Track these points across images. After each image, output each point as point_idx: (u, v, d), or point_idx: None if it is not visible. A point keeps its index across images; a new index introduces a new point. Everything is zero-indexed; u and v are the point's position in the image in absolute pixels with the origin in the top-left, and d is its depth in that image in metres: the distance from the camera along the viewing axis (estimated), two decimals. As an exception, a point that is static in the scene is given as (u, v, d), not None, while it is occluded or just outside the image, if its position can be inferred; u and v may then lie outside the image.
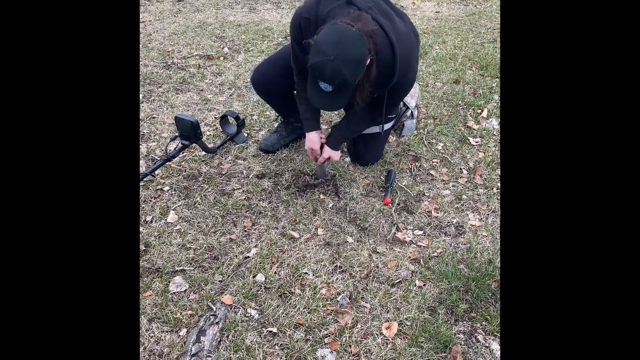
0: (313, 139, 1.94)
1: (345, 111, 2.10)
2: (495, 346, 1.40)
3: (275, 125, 2.48)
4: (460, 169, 2.20)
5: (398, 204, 1.98)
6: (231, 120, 2.34)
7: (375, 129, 2.05)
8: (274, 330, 1.43)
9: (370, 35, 1.49)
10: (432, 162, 2.25)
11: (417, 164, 2.23)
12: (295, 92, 2.00)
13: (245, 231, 1.82)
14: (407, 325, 1.46)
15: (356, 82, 1.51)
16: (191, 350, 1.35)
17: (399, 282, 1.61)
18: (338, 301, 1.54)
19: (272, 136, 2.30)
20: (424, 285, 1.60)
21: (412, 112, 2.23)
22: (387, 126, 2.10)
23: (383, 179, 2.12)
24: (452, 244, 1.78)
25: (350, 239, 1.80)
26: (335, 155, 1.96)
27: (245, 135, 2.39)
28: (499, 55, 3.30)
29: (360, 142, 2.12)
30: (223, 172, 2.14)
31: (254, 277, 1.61)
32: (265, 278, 1.61)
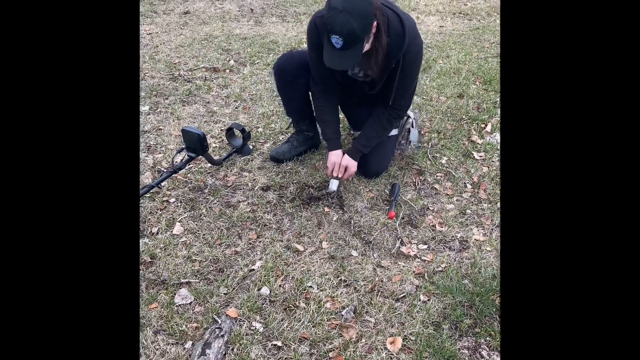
0: (338, 153, 2.07)
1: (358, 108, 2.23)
2: (500, 362, 1.41)
3: (281, 137, 2.50)
4: (465, 183, 2.21)
5: (402, 218, 1.99)
6: (237, 132, 2.36)
7: None
8: (279, 343, 1.44)
9: (378, 8, 1.70)
10: (436, 176, 2.26)
11: (421, 177, 2.25)
12: (314, 107, 2.16)
13: (250, 244, 1.83)
14: (412, 340, 1.47)
15: (364, 38, 1.65)
16: (196, 363, 1.35)
17: (404, 296, 1.62)
18: (342, 315, 1.54)
19: (284, 146, 2.33)
20: (429, 300, 1.61)
21: (412, 121, 2.30)
22: (392, 132, 2.16)
23: (387, 192, 2.13)
24: (457, 259, 1.79)
25: (354, 253, 1.80)
26: (353, 165, 2.05)
27: (251, 147, 2.40)
28: (502, 70, 3.32)
29: None
30: (228, 184, 2.15)
31: (259, 290, 1.62)
32: (270, 291, 1.62)
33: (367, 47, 1.75)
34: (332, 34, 1.62)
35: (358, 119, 2.24)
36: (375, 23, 1.69)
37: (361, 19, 1.61)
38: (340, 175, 2.04)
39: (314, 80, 2.05)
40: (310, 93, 2.16)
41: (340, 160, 2.04)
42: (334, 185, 2.07)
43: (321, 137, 2.31)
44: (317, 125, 2.26)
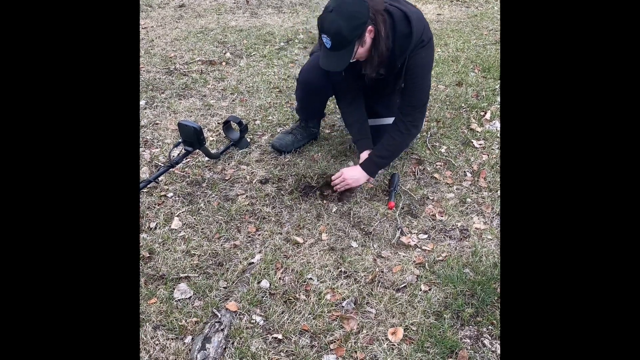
0: (365, 155, 2.07)
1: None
2: (502, 351, 1.40)
3: (279, 129, 2.48)
4: (464, 171, 2.20)
5: (402, 208, 1.97)
6: (234, 125, 2.34)
7: (392, 119, 2.08)
8: (279, 336, 1.43)
9: (380, 13, 1.70)
10: (436, 165, 2.24)
11: (420, 167, 2.23)
12: (341, 115, 2.21)
13: (249, 237, 1.82)
14: (413, 330, 1.46)
15: (353, 40, 1.66)
16: (196, 357, 1.34)
17: (404, 286, 1.60)
18: (343, 307, 1.53)
19: (287, 137, 2.31)
20: (429, 289, 1.60)
21: None
22: None
23: (386, 182, 2.11)
24: (457, 248, 1.77)
25: (354, 244, 1.79)
26: (357, 181, 1.97)
27: (248, 140, 2.39)
28: (501, 57, 3.29)
29: (381, 134, 2.12)
30: (226, 178, 2.14)
31: (259, 283, 1.61)
32: (270, 284, 1.61)
33: (363, 52, 1.74)
34: (322, 32, 1.67)
35: (373, 107, 2.22)
36: (371, 27, 1.68)
37: (349, 20, 1.62)
38: (341, 188, 1.98)
39: (334, 83, 2.07)
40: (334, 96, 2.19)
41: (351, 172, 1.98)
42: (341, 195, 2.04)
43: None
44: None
